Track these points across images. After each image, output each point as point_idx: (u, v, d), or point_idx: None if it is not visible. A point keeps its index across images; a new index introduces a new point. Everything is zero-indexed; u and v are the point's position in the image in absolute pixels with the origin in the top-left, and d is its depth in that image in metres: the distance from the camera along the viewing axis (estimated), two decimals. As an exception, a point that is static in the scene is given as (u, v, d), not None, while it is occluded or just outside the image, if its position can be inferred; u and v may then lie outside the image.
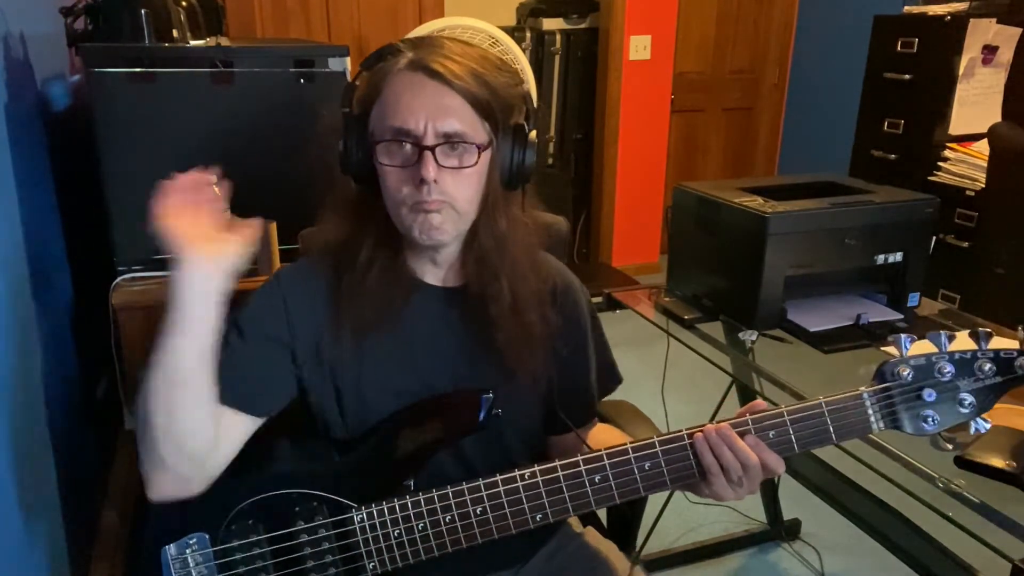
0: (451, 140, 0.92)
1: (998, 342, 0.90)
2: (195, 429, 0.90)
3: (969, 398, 0.89)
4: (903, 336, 0.91)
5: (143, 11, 1.52)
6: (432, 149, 0.91)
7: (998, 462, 1.06)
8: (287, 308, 1.00)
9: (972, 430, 0.90)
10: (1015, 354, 0.89)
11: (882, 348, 1.43)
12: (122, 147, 1.44)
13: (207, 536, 0.95)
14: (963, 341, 0.90)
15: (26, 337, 1.28)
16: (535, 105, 1.02)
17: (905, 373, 0.89)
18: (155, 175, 1.53)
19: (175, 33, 1.60)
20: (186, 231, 0.84)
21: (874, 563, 1.97)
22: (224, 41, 1.85)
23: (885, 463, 1.10)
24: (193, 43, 1.65)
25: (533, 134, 0.99)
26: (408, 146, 0.92)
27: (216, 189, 0.89)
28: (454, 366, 1.04)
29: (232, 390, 0.94)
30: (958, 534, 0.99)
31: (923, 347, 0.90)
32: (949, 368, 0.89)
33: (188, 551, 0.94)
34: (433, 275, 1.04)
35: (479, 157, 0.93)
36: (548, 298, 1.05)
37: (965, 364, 0.90)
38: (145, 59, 1.45)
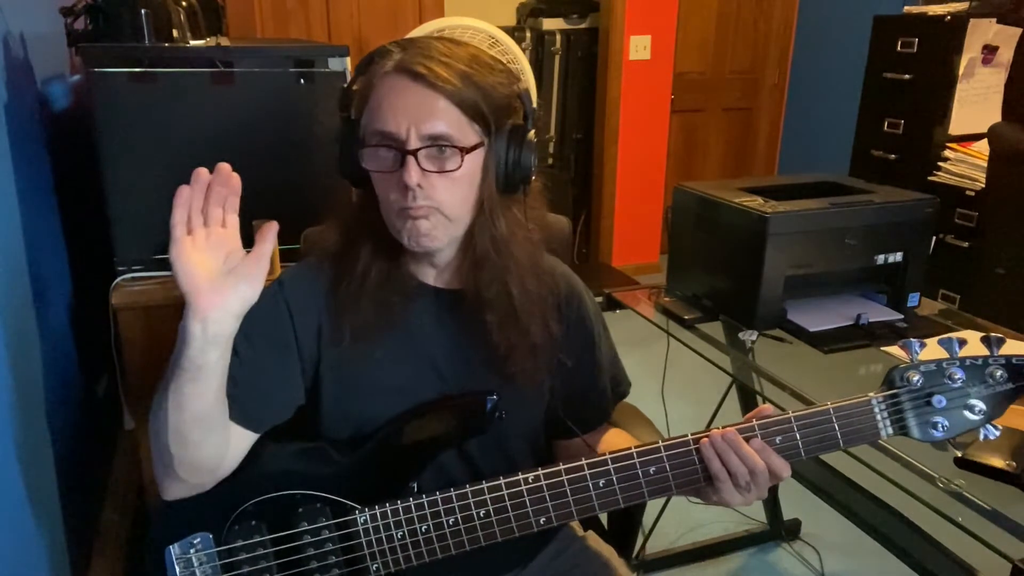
0: (436, 143, 0.90)
1: (1010, 347, 0.88)
2: (209, 453, 0.91)
3: (980, 404, 0.87)
4: (914, 341, 0.89)
5: (143, 11, 1.52)
6: (414, 153, 0.89)
7: (998, 462, 1.06)
8: (291, 313, 1.00)
9: (981, 436, 0.88)
10: None
11: (882, 348, 1.43)
12: (122, 147, 1.44)
13: (211, 536, 0.94)
14: (974, 346, 0.88)
15: (26, 337, 1.28)
16: (534, 105, 1.00)
17: (915, 379, 0.87)
18: (155, 175, 1.54)
19: (175, 33, 1.60)
20: (198, 275, 0.80)
21: (874, 563, 1.97)
22: (224, 41, 1.85)
23: (885, 463, 1.10)
24: (193, 43, 1.65)
25: (532, 134, 0.97)
26: (392, 150, 0.91)
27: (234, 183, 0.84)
28: (452, 368, 1.03)
29: (241, 408, 0.94)
30: (958, 534, 0.99)
31: (933, 352, 0.88)
32: (960, 374, 0.87)
33: (192, 551, 0.94)
34: (432, 276, 1.03)
35: (462, 159, 0.91)
36: (552, 304, 1.04)
37: (976, 370, 0.88)
38: (145, 59, 1.45)
